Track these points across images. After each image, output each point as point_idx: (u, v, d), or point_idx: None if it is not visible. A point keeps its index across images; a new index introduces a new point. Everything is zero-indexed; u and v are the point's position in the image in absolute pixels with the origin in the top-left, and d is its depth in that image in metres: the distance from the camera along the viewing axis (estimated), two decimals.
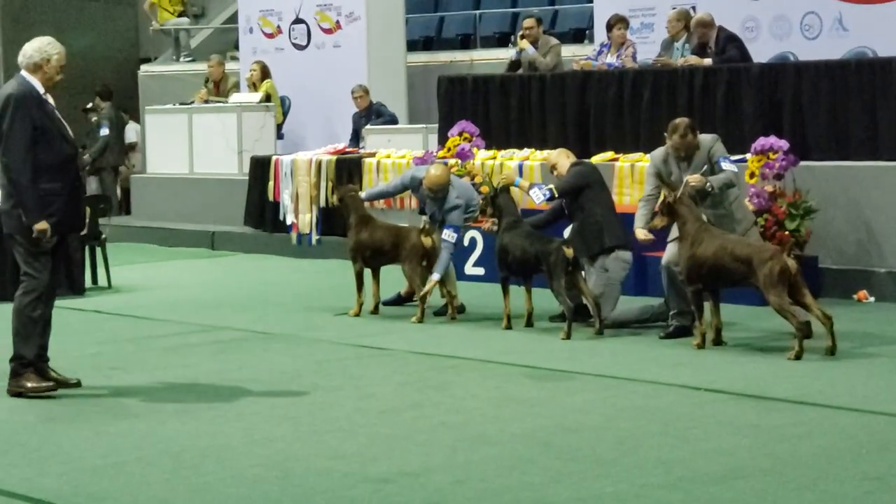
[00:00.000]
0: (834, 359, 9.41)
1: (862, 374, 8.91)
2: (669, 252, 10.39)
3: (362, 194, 12.33)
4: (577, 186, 11.05)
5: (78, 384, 8.87)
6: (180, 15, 24.65)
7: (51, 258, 8.75)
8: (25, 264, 8.72)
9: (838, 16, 15.44)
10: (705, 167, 10.37)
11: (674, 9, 15.54)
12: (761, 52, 15.12)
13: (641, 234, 10.56)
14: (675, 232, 10.31)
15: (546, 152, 13.32)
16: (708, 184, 10.23)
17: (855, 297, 12.07)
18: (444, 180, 11.74)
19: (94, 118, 20.32)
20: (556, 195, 11.07)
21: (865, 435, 7.33)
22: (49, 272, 8.72)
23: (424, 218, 12.04)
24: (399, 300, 12.20)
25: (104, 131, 19.88)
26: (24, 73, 8.79)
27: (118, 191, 20.66)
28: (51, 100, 8.84)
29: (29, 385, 8.67)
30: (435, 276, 11.51)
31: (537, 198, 11.06)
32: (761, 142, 12.52)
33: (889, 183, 12.19)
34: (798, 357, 9.38)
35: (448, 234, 11.59)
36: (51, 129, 8.72)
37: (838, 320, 9.73)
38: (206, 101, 19.38)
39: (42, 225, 8.57)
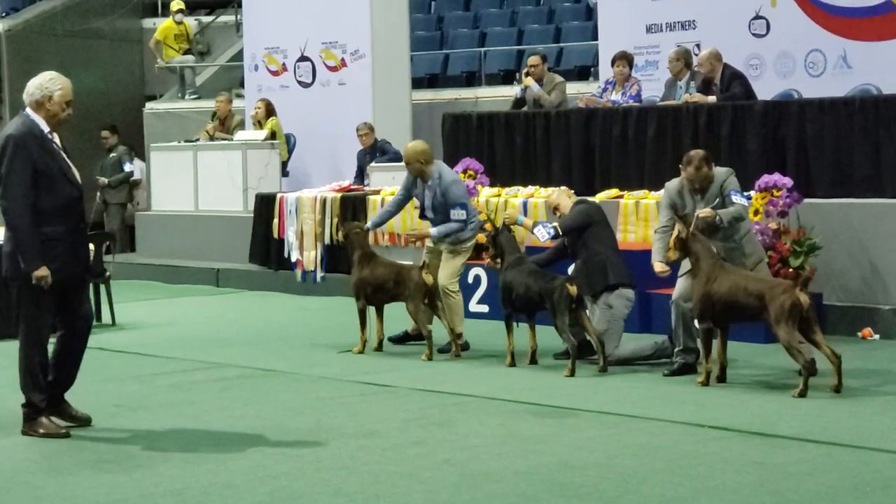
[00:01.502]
0: (838, 396, 9.40)
1: (866, 412, 8.89)
2: (680, 287, 10.38)
3: (368, 224, 12.30)
4: (581, 225, 11.08)
5: (88, 422, 8.77)
6: (186, 53, 24.75)
7: (54, 306, 8.49)
8: (25, 310, 8.50)
9: (842, 53, 15.51)
10: (717, 200, 10.39)
11: (677, 46, 15.58)
12: (765, 89, 15.17)
13: (659, 267, 10.53)
14: (685, 267, 10.31)
15: (549, 189, 13.32)
16: (717, 217, 10.24)
17: (859, 334, 12.06)
18: (420, 148, 11.92)
19: (115, 154, 20.63)
20: (560, 233, 11.09)
21: (869, 473, 7.31)
22: (50, 319, 8.49)
23: (426, 257, 12.02)
24: (406, 338, 12.19)
25: (128, 167, 20.32)
26: (28, 110, 8.52)
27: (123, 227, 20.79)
28: (56, 139, 8.54)
29: (41, 431, 8.51)
30: (433, 232, 11.77)
31: (542, 236, 11.09)
32: (765, 179, 12.54)
33: (893, 220, 12.20)
34: (803, 395, 9.36)
35: (457, 213, 11.68)
36: (53, 170, 8.41)
37: (843, 358, 9.71)
38: (212, 138, 19.42)
39: (41, 272, 8.32)
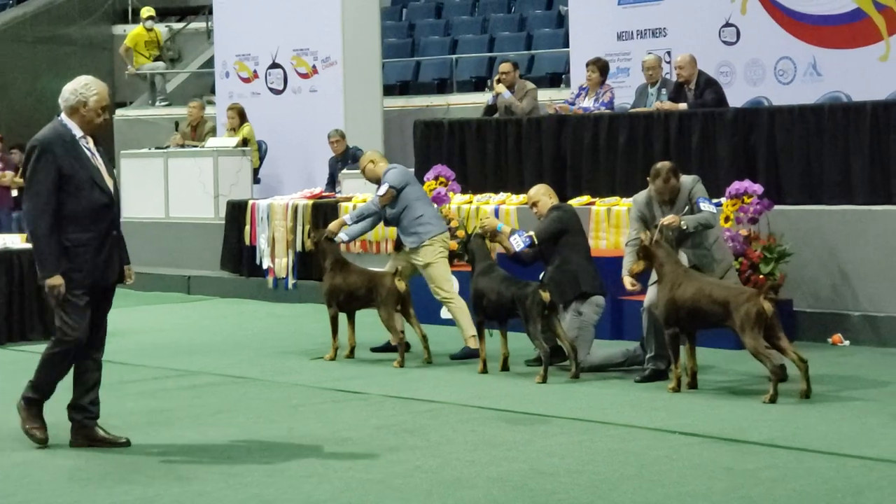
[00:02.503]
0: (809, 402, 9.44)
1: (837, 418, 8.93)
2: (651, 295, 10.41)
3: (343, 236, 12.26)
4: (556, 232, 11.08)
5: (127, 444, 8.49)
6: (156, 59, 24.71)
7: (87, 313, 8.29)
8: (56, 317, 8.34)
9: (812, 61, 15.59)
10: (686, 208, 10.43)
11: (649, 54, 15.65)
12: (736, 96, 15.24)
13: (628, 282, 10.57)
14: (656, 275, 10.35)
15: (521, 196, 13.33)
16: (683, 223, 10.28)
17: (829, 340, 12.11)
18: (365, 160, 12.22)
19: None
20: (536, 242, 11.07)
21: (840, 479, 7.34)
22: (85, 328, 8.27)
23: (394, 263, 12.02)
24: (388, 347, 12.11)
25: None
26: (62, 115, 8.35)
27: None
28: (90, 144, 8.36)
29: (26, 426, 8.41)
30: (346, 218, 12.13)
31: (517, 245, 11.07)
32: (736, 186, 12.59)
33: (863, 227, 12.26)
34: (773, 400, 9.40)
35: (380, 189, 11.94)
36: (81, 176, 8.22)
37: (813, 364, 9.76)
38: (182, 146, 19.39)
39: (54, 280, 8.15)
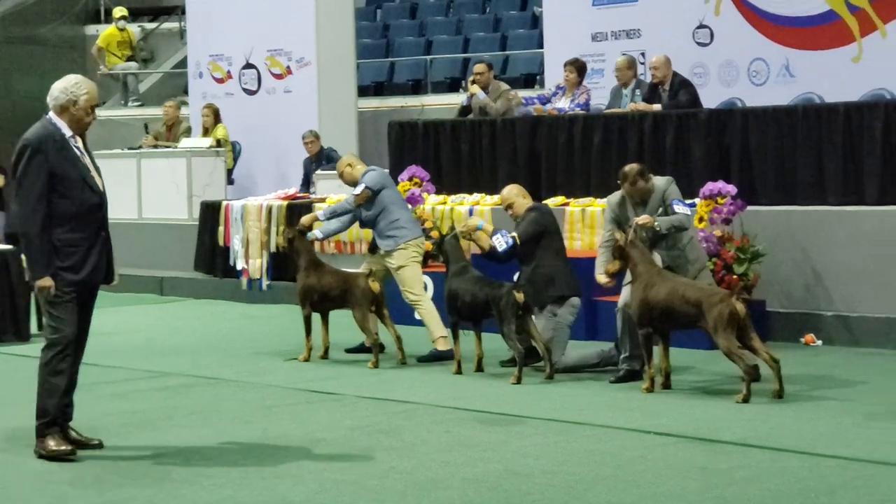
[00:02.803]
0: (782, 402, 9.46)
1: (810, 417, 8.95)
2: (626, 295, 10.42)
3: (317, 233, 12.24)
4: (536, 234, 11.05)
5: (100, 445, 8.44)
6: (129, 59, 24.63)
7: (76, 310, 8.24)
8: (47, 315, 8.30)
9: (785, 62, 15.63)
10: (660, 209, 10.44)
11: (623, 55, 15.67)
12: (709, 98, 15.26)
13: (603, 278, 10.58)
14: (630, 275, 10.36)
15: (495, 197, 13.32)
16: (657, 224, 10.30)
17: (802, 340, 12.15)
18: (342, 164, 12.17)
19: None
20: (518, 243, 11.02)
21: (814, 478, 7.35)
22: (74, 325, 8.23)
23: (370, 265, 12.01)
24: (363, 348, 12.07)
25: None
26: (51, 114, 8.26)
27: None
28: (80, 143, 8.27)
29: (51, 447, 8.19)
30: (319, 214, 12.16)
31: (500, 245, 10.99)
32: (709, 186, 12.62)
33: (835, 227, 12.30)
34: (746, 400, 9.42)
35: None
36: (71, 175, 8.14)
37: (786, 363, 9.79)
38: (156, 146, 19.32)
39: (45, 282, 8.06)
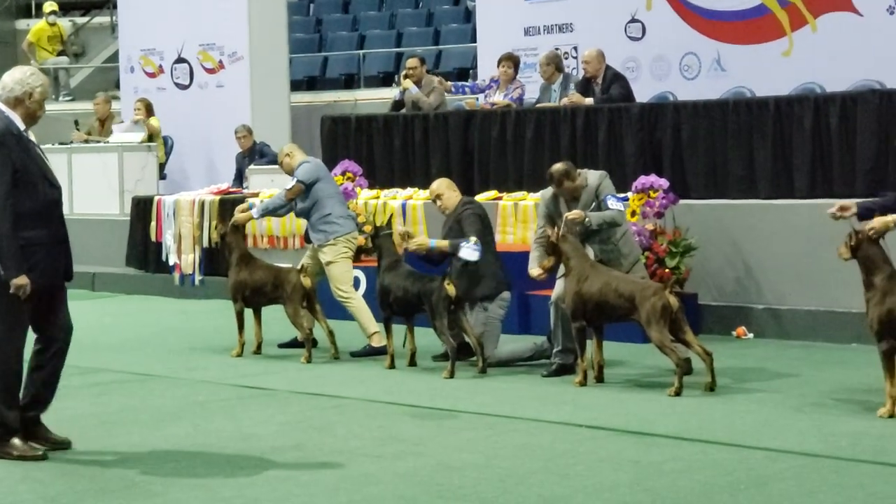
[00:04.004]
0: (713, 395, 9.52)
1: (740, 410, 9.01)
2: (559, 288, 10.43)
3: (254, 212, 12.18)
4: (483, 231, 11.05)
5: (67, 445, 8.22)
6: (60, 54, 24.43)
7: (27, 315, 7.96)
8: (2, 320, 7.92)
9: (716, 56, 15.72)
10: (593, 204, 10.46)
11: (549, 50, 15.71)
12: (641, 91, 15.33)
13: (536, 272, 10.57)
14: (563, 269, 10.38)
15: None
16: (587, 219, 10.32)
17: (734, 333, 12.22)
18: (281, 154, 12.20)
19: None
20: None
21: (743, 470, 7.40)
22: (23, 330, 7.97)
23: (307, 261, 11.97)
24: (295, 343, 12.01)
25: None
26: (2, 106, 7.91)
27: None
28: (32, 137, 7.97)
29: (15, 453, 7.95)
30: (254, 212, 12.06)
31: (473, 257, 10.84)
32: (642, 180, 12.68)
33: (766, 220, 12.38)
34: (678, 393, 9.47)
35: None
36: (33, 171, 7.85)
37: (717, 356, 9.84)
38: (87, 141, 19.15)
39: (21, 280, 7.74)
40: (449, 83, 16.03)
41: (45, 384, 8.22)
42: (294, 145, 12.73)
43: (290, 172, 12.08)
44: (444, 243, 11.04)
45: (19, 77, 7.99)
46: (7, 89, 7.96)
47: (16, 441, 7.99)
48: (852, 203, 9.08)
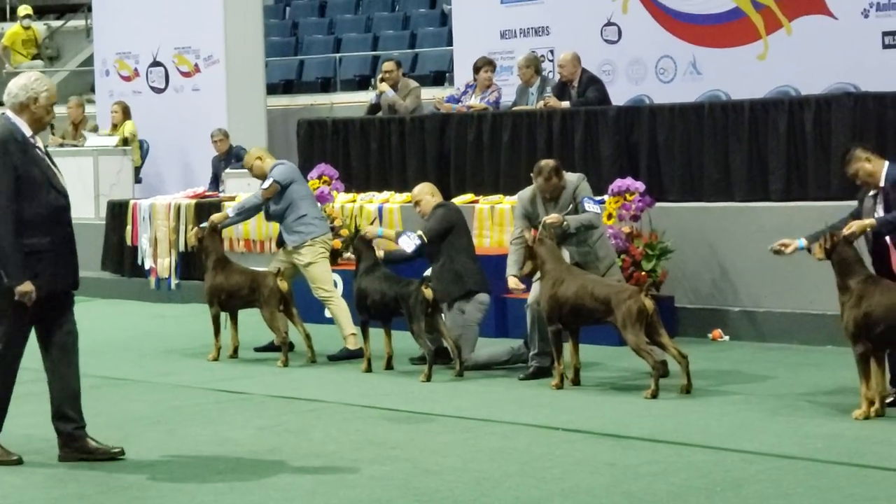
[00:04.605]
0: (689, 397, 9.54)
1: (716, 412, 9.03)
2: (535, 292, 10.43)
3: (229, 212, 12.18)
4: (444, 230, 11.07)
5: (121, 453, 8.09)
6: (34, 58, 24.35)
7: (29, 323, 7.91)
8: (2, 325, 7.85)
9: (692, 59, 15.75)
10: (571, 206, 10.48)
11: (527, 53, 15.73)
12: (617, 95, 15.35)
13: (513, 282, 10.59)
14: (539, 272, 10.38)
15: (404, 195, 13.33)
16: (565, 223, 10.33)
17: (710, 335, 12.25)
18: (251, 158, 12.14)
19: None
20: (426, 241, 11.03)
21: (719, 472, 7.42)
22: (21, 338, 7.91)
23: (279, 264, 11.95)
24: (272, 347, 12.00)
25: None
26: (9, 112, 7.90)
27: None
28: (40, 143, 7.96)
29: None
30: (230, 212, 12.16)
31: (408, 247, 11.00)
32: (618, 183, 12.69)
33: (742, 223, 12.41)
34: (654, 396, 9.49)
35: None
36: (38, 177, 7.79)
37: (693, 359, 9.87)
38: (62, 145, 19.09)
39: (25, 287, 7.68)
40: (449, 104, 15.77)
41: (67, 389, 8.18)
42: (263, 149, 12.75)
43: (262, 176, 12.06)
44: (390, 232, 11.40)
45: (24, 83, 7.98)
46: (12, 95, 7.96)
47: None
48: (793, 241, 9.16)
